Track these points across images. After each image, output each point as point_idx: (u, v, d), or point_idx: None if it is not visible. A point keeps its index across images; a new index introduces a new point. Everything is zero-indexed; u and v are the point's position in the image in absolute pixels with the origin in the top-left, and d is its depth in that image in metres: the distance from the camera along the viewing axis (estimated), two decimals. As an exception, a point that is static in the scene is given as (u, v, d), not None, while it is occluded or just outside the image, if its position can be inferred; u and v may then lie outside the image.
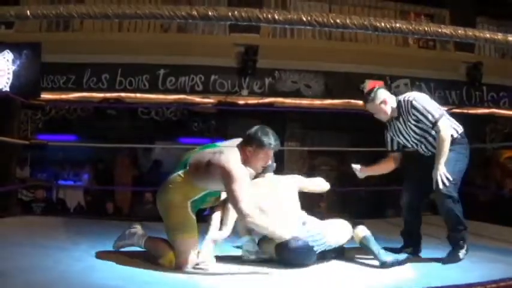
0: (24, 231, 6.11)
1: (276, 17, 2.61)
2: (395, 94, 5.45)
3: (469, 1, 13.08)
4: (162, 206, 4.57)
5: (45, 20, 12.04)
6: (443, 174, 4.92)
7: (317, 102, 12.77)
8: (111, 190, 13.05)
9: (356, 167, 5.67)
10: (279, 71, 12.73)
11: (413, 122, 5.20)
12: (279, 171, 12.39)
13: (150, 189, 11.16)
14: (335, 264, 4.91)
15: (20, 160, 11.50)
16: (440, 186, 4.89)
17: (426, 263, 5.04)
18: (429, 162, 5.09)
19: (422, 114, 5.09)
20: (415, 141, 5.32)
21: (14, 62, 11.56)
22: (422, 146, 5.31)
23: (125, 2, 10.87)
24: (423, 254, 5.42)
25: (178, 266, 4.39)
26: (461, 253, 5.06)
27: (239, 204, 4.17)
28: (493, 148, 14.26)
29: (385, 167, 5.66)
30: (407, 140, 5.37)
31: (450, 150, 5.02)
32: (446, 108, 9.99)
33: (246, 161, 4.35)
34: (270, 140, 4.35)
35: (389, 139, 5.55)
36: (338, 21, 2.64)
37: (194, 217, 4.52)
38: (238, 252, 4.87)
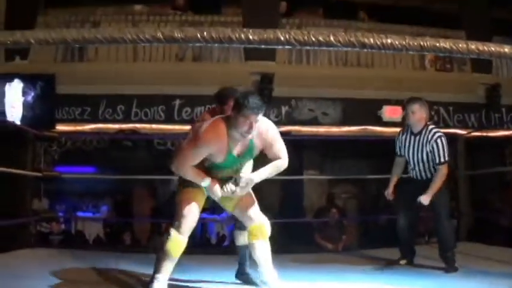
0: (35, 264, 6.06)
1: (250, 36, 2.47)
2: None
3: (485, 21, 12.97)
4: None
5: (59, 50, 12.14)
6: (426, 202, 5.99)
7: (334, 129, 12.63)
8: (129, 221, 12.97)
9: (387, 195, 6.57)
10: (296, 99, 12.60)
11: (426, 148, 6.13)
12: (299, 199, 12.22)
13: (168, 220, 11.06)
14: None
15: (38, 192, 11.47)
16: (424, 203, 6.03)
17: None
18: (422, 188, 6.09)
19: (438, 150, 6.05)
20: (416, 159, 6.26)
21: (25, 93, 11.58)
22: (419, 166, 6.27)
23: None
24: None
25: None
26: (456, 264, 6.05)
27: (180, 161, 4.42)
28: (513, 171, 14.03)
29: (399, 172, 6.63)
30: (412, 154, 6.30)
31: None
32: (465, 132, 9.95)
33: (230, 125, 4.36)
34: (249, 103, 4.23)
35: (397, 146, 6.50)
36: (320, 38, 2.49)
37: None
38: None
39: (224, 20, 12.97)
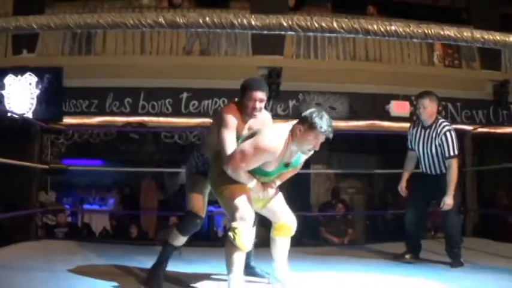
0: (41, 256, 6.08)
1: (253, 22, 2.45)
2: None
3: (494, 17, 12.91)
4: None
5: (66, 43, 12.16)
6: (451, 203, 5.94)
7: (342, 124, 12.56)
8: (136, 214, 12.98)
9: (401, 190, 6.57)
10: (303, 93, 12.55)
11: (435, 142, 6.13)
12: (305, 194, 12.16)
13: (176, 213, 11.08)
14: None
15: (45, 184, 11.50)
16: (446, 208, 6.00)
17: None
18: (432, 183, 6.22)
19: (447, 143, 6.05)
20: (426, 153, 6.27)
21: (37, 86, 11.61)
22: (429, 160, 6.27)
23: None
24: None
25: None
26: (462, 259, 6.10)
27: (239, 164, 4.28)
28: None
29: (411, 167, 6.62)
30: (422, 148, 6.31)
31: None
32: (472, 128, 9.92)
33: (294, 139, 4.32)
34: (323, 124, 4.23)
35: (409, 139, 6.51)
36: (324, 24, 2.47)
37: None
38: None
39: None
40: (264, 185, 4.52)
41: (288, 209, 4.77)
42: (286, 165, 4.48)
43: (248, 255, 4.89)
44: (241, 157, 4.25)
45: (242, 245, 4.20)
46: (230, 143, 4.38)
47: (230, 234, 4.23)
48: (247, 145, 4.28)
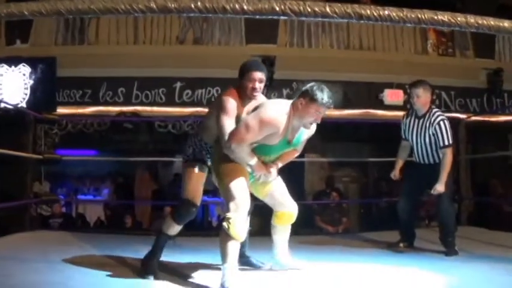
0: (36, 247, 6.07)
1: (245, 6, 2.44)
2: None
3: (491, 8, 12.87)
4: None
5: (60, 33, 12.11)
6: (442, 189, 5.92)
7: (336, 112, 12.53)
8: (131, 204, 12.96)
9: (394, 176, 6.61)
10: (297, 81, 12.51)
11: (429, 131, 6.10)
12: (300, 182, 12.14)
13: (170, 203, 11.07)
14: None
15: (39, 175, 11.47)
16: (436, 193, 5.98)
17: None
18: (426, 173, 6.18)
19: (441, 132, 6.01)
20: (419, 142, 6.25)
21: (31, 76, 11.58)
22: (422, 150, 6.25)
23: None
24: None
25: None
26: (456, 247, 6.06)
27: (242, 137, 4.27)
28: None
29: (404, 155, 6.62)
30: (415, 138, 6.28)
31: None
32: (466, 116, 9.93)
33: (295, 113, 4.37)
34: (324, 96, 4.29)
35: (402, 129, 6.49)
36: (316, 9, 2.47)
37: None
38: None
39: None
40: (266, 165, 4.56)
41: (290, 197, 4.85)
42: (288, 142, 4.51)
43: (243, 245, 4.88)
44: (245, 129, 4.25)
45: (236, 235, 4.19)
46: (229, 129, 4.36)
47: (224, 224, 4.23)
48: (250, 118, 4.31)
